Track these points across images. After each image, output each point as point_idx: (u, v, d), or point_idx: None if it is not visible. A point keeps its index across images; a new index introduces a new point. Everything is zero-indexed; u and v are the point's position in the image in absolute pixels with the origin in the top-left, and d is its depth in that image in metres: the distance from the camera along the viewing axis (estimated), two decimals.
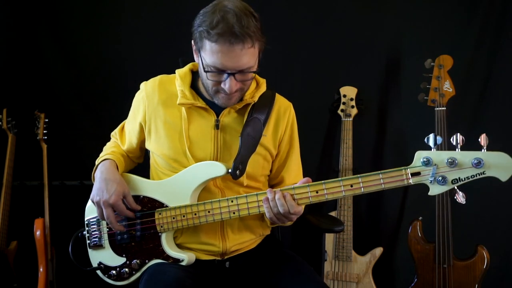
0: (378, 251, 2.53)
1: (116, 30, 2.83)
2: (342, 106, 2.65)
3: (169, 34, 2.72)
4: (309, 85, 2.75)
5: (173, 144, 1.60)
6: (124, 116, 1.84)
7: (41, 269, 2.54)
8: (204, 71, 1.47)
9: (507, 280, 2.59)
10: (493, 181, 2.60)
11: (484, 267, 2.28)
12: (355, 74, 2.72)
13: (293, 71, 2.76)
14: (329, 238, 2.56)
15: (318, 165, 2.79)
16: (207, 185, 1.60)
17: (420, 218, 2.40)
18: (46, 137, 2.70)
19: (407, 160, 2.80)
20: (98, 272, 1.69)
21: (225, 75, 1.45)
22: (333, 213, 2.58)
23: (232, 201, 1.52)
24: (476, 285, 2.29)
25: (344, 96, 2.65)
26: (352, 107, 2.63)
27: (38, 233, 2.53)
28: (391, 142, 2.73)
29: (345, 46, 2.73)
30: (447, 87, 2.35)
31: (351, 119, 2.62)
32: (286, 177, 1.71)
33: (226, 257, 1.65)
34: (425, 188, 2.54)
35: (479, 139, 1.30)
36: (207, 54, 1.44)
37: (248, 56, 1.44)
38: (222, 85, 1.48)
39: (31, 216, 2.59)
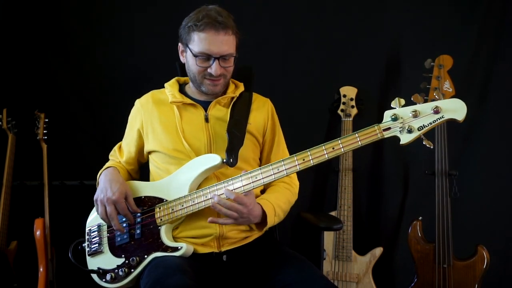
0: (378, 251, 2.53)
1: (116, 31, 2.83)
2: (342, 106, 2.65)
3: (167, 37, 2.71)
4: (309, 85, 2.75)
5: (170, 136, 1.73)
6: (124, 115, 1.86)
7: (41, 269, 2.54)
8: (194, 55, 1.68)
9: (507, 280, 2.59)
10: (493, 180, 2.61)
11: (484, 267, 2.28)
12: (355, 74, 2.72)
13: (293, 71, 2.77)
14: (329, 238, 2.56)
15: (318, 165, 2.77)
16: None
17: (420, 218, 2.40)
18: (46, 137, 2.70)
19: (407, 160, 2.81)
20: (95, 277, 1.70)
21: (211, 60, 1.67)
22: (333, 213, 2.58)
23: (227, 183, 1.60)
24: (476, 285, 2.29)
25: (344, 96, 2.65)
26: (352, 107, 2.63)
27: (38, 233, 2.53)
28: (391, 142, 2.71)
29: (345, 46, 2.73)
30: (447, 87, 2.35)
31: (351, 119, 2.62)
32: (274, 160, 1.81)
33: (223, 249, 1.67)
34: (425, 188, 2.55)
35: (435, 95, 1.56)
36: (196, 43, 1.67)
37: (229, 43, 1.68)
38: (208, 70, 1.69)
39: (31, 216, 2.59)
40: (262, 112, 1.85)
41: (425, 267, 2.34)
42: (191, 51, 1.69)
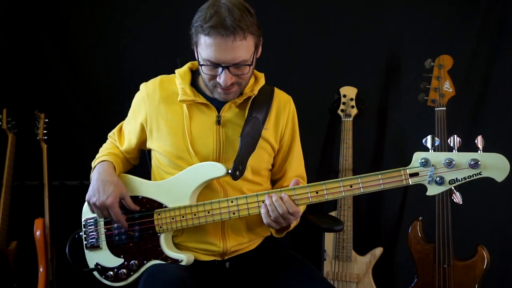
0: (378, 251, 2.53)
1: (116, 30, 2.83)
2: (342, 106, 2.64)
3: (167, 34, 2.73)
4: (309, 85, 2.75)
5: (176, 141, 1.60)
6: (124, 116, 1.84)
7: (41, 269, 2.54)
8: (200, 64, 1.50)
9: (507, 280, 2.59)
10: (493, 181, 2.61)
11: (484, 267, 2.28)
12: (355, 74, 2.72)
13: (293, 71, 2.76)
14: (329, 238, 2.56)
15: (318, 165, 2.79)
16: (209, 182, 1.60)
17: (420, 218, 2.40)
18: (46, 137, 2.70)
19: (407, 160, 2.80)
20: (95, 273, 1.68)
21: (220, 69, 1.47)
22: (333, 213, 2.58)
23: (232, 202, 1.52)
24: (476, 285, 2.29)
25: (344, 96, 2.65)
26: (352, 107, 2.63)
27: (38, 233, 2.53)
28: (391, 142, 2.72)
29: (345, 46, 2.73)
30: (447, 87, 2.35)
31: (351, 119, 2.62)
32: (288, 170, 1.73)
33: (226, 257, 1.64)
34: (425, 188, 2.54)
35: (476, 141, 1.33)
36: (202, 48, 1.47)
37: (241, 49, 1.46)
38: (217, 79, 1.50)
39: (31, 216, 2.59)
40: (282, 115, 1.68)
41: (425, 267, 2.35)
42: (198, 56, 1.50)
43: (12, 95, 2.83)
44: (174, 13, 2.71)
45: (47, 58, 2.85)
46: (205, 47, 1.45)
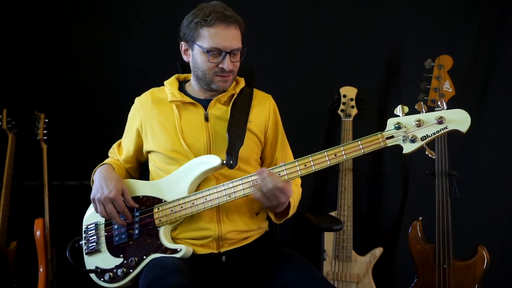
0: (378, 251, 2.53)
1: (116, 31, 2.83)
2: (342, 106, 2.65)
3: (168, 37, 2.71)
4: (309, 85, 2.75)
5: (169, 137, 1.71)
6: (124, 116, 1.86)
7: (41, 269, 2.54)
8: (205, 51, 1.65)
9: (507, 280, 2.59)
10: (493, 180, 2.61)
11: (484, 267, 2.28)
12: (355, 74, 2.72)
13: (293, 71, 2.76)
14: (329, 238, 2.56)
15: None
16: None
17: (420, 218, 2.40)
18: (46, 137, 2.70)
19: (407, 160, 2.80)
20: (93, 276, 1.70)
21: (223, 55, 1.65)
22: (333, 213, 2.58)
23: (227, 186, 1.60)
24: (476, 285, 2.29)
25: (344, 96, 2.65)
26: (352, 107, 2.63)
27: (38, 233, 2.53)
28: None
29: (345, 46, 2.73)
30: (447, 87, 2.35)
31: (351, 119, 2.62)
32: (278, 158, 1.83)
33: (222, 250, 1.67)
34: (425, 188, 2.55)
35: (439, 103, 1.48)
36: (206, 39, 1.64)
37: (238, 37, 1.68)
38: (220, 66, 1.67)
39: (31, 216, 2.59)
40: (263, 109, 1.82)
41: (425, 267, 2.35)
42: (200, 48, 1.65)
43: (12, 95, 2.83)
44: (175, 16, 2.70)
45: (48, 58, 2.85)
46: (210, 37, 1.63)
